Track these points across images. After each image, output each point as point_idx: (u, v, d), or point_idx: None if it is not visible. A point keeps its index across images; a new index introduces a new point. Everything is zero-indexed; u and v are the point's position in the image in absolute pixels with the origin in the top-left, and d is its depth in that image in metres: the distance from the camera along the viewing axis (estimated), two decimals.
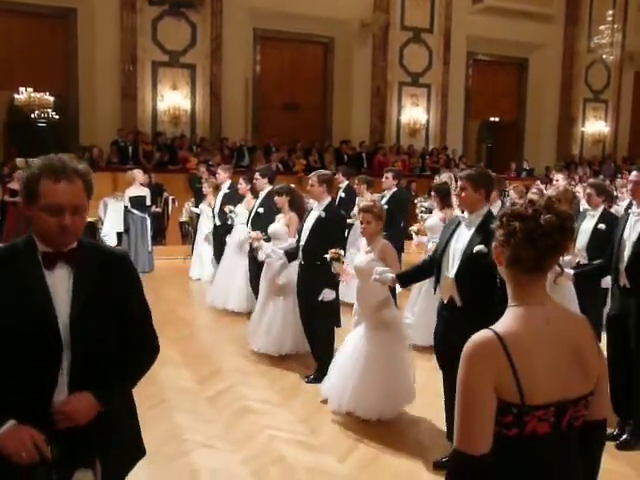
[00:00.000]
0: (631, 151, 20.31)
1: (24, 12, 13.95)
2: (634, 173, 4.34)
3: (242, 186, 7.73)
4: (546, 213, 1.59)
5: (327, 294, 5.19)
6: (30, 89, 14.67)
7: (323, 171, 5.88)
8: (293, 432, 4.43)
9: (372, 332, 4.53)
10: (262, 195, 7.26)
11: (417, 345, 5.77)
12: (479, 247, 3.58)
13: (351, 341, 4.68)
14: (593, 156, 19.65)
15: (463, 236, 3.76)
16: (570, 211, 1.67)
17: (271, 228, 6.17)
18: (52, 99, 15.43)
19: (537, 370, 1.54)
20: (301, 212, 5.94)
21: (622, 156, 20.10)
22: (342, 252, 4.83)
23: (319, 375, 5.21)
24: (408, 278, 4.39)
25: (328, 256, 4.77)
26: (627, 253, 4.18)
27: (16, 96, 14.93)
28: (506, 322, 1.61)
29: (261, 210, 7.10)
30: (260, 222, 6.69)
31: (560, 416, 1.58)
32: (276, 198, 6.12)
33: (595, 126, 19.86)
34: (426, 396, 4.71)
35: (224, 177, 8.83)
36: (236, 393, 5.13)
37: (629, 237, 4.20)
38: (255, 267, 6.74)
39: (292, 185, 6.39)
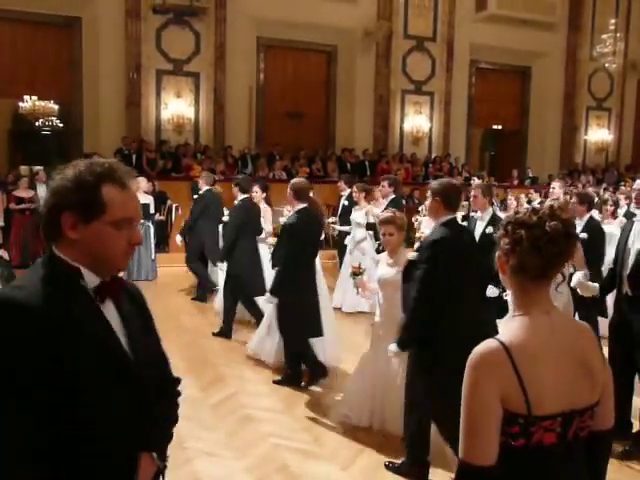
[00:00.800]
0: (634, 159, 20.29)
1: (29, 21, 14.03)
2: (638, 182, 4.37)
3: (257, 194, 7.62)
4: (551, 220, 1.59)
5: None
6: (34, 97, 14.76)
7: (297, 179, 5.86)
8: (296, 440, 4.42)
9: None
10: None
11: None
12: None
13: (377, 359, 4.45)
14: (596, 164, 19.64)
15: None
16: (572, 218, 1.67)
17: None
18: (56, 107, 15.53)
19: (544, 380, 1.54)
20: None
21: (625, 164, 20.09)
22: (364, 267, 4.74)
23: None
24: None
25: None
26: (631, 260, 4.18)
27: (21, 104, 15.02)
28: (511, 331, 1.60)
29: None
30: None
31: (566, 426, 1.57)
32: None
33: (598, 134, 19.86)
34: None
35: (202, 185, 9.01)
36: (239, 401, 5.13)
37: (633, 244, 4.21)
38: None
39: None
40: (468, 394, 1.54)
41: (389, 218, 4.44)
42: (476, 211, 6.02)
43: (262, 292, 6.39)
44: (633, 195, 4.55)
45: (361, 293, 4.90)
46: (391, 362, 4.30)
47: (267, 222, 7.75)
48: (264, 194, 7.68)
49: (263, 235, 7.48)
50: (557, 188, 8.20)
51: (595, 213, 6.67)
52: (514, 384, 1.51)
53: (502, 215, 6.08)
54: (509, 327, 1.62)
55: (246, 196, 7.33)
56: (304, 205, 5.41)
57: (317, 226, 5.66)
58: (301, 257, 5.29)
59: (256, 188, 7.62)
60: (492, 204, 6.10)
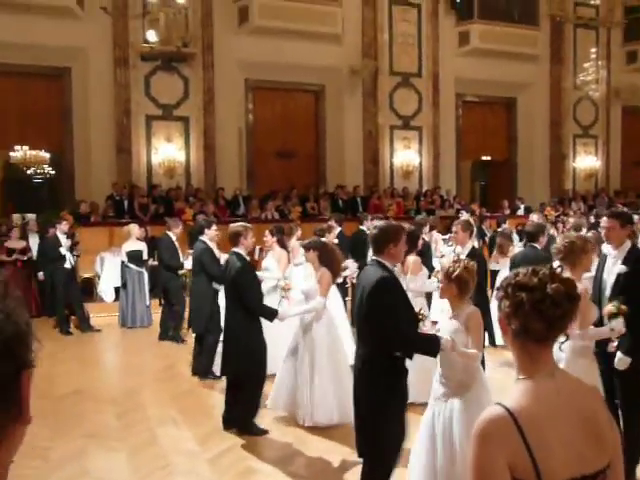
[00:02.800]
0: (623, 184, 20.48)
1: (19, 72, 14.17)
2: (605, 219, 4.37)
3: (268, 239, 7.57)
4: (552, 282, 1.56)
5: None
6: (26, 147, 14.82)
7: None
8: None
9: (461, 405, 3.63)
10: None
11: None
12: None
13: (437, 424, 3.70)
14: (586, 190, 19.79)
15: None
16: (572, 278, 1.64)
17: (304, 287, 5.78)
18: (48, 155, 15.58)
19: (553, 447, 1.49)
20: (335, 268, 5.69)
21: (614, 189, 20.26)
22: (425, 312, 4.26)
23: None
24: None
25: None
26: (607, 294, 4.21)
27: (12, 154, 15.08)
28: (516, 397, 1.56)
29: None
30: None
31: None
32: (305, 254, 5.81)
33: (586, 161, 20.06)
34: None
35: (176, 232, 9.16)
36: (238, 453, 5.01)
37: (608, 279, 4.27)
38: None
39: (323, 239, 6.26)
40: (476, 465, 1.49)
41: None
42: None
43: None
44: (602, 232, 4.53)
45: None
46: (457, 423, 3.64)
47: (282, 266, 7.36)
48: (274, 238, 7.56)
49: (273, 283, 7.10)
50: (535, 220, 8.31)
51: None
52: (522, 453, 1.46)
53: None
54: (514, 392, 1.58)
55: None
56: (235, 250, 5.39)
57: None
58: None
59: (267, 232, 7.58)
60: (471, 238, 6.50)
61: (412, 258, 5.91)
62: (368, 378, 3.64)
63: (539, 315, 1.55)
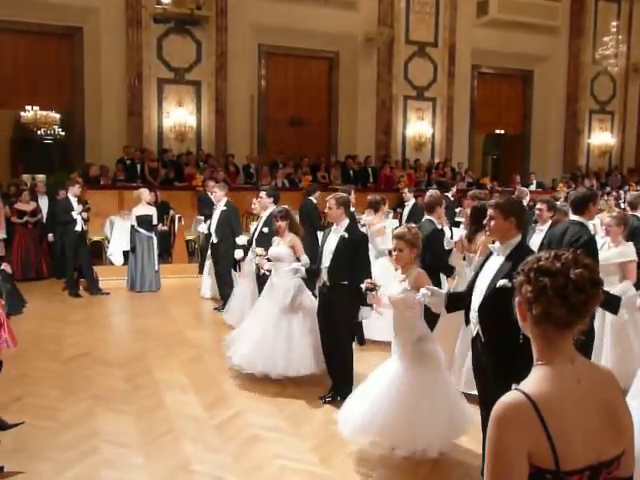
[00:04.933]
0: (637, 162, 20.23)
1: (30, 31, 14.04)
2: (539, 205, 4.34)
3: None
4: (575, 267, 1.52)
5: (364, 312, 5.19)
6: (36, 107, 14.75)
7: (340, 193, 5.84)
8: (304, 462, 4.35)
9: (410, 368, 4.21)
10: (265, 215, 7.43)
11: None
12: (502, 282, 3.43)
13: (385, 377, 4.31)
14: (599, 168, 19.57)
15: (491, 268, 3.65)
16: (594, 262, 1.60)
17: (273, 251, 6.13)
18: (58, 116, 15.52)
19: (571, 433, 1.47)
20: (299, 233, 6.16)
21: (628, 167, 20.02)
22: (378, 282, 4.58)
23: (336, 395, 5.33)
24: (456, 302, 3.97)
25: (363, 286, 4.55)
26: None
27: (22, 114, 15.03)
28: (536, 382, 1.53)
29: (266, 230, 7.20)
30: (265, 241, 6.81)
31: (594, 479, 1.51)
32: (277, 222, 6.13)
33: (601, 138, 19.78)
34: None
35: (220, 195, 8.87)
36: (244, 420, 5.05)
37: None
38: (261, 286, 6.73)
39: (287, 207, 6.37)
40: (493, 450, 1.47)
41: (401, 233, 4.31)
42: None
43: None
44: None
45: (376, 309, 4.75)
46: (403, 384, 4.25)
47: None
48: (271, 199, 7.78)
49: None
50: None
51: None
52: (542, 439, 1.45)
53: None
54: (532, 378, 1.55)
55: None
56: (349, 219, 5.59)
57: None
58: None
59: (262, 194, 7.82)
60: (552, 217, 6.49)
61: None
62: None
63: (562, 301, 1.51)
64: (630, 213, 6.90)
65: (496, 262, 3.63)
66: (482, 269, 3.72)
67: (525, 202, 9.47)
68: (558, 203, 7.50)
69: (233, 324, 7.28)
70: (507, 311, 3.24)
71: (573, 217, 5.04)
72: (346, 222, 5.43)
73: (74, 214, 9.62)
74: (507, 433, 1.46)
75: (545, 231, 6.20)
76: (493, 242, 3.88)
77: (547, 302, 1.52)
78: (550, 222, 6.36)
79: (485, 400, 3.80)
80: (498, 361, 3.47)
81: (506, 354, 3.29)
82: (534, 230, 6.54)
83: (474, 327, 3.73)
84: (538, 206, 6.65)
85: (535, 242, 6.08)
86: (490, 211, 3.70)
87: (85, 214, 9.85)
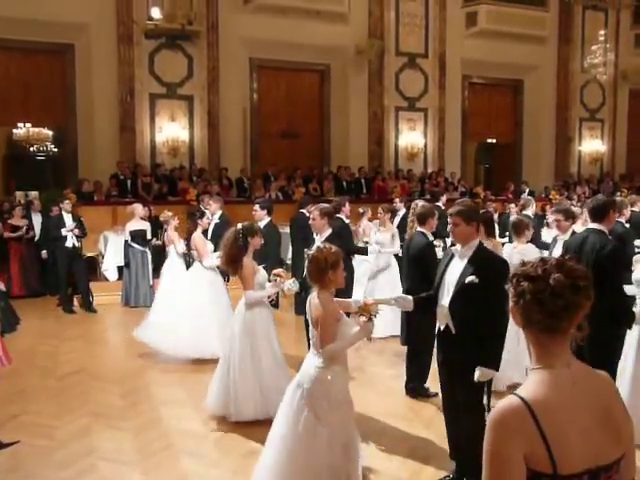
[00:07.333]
0: (628, 169, 20.38)
1: (22, 49, 14.05)
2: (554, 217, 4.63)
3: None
4: (556, 272, 1.53)
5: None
6: (29, 124, 14.74)
7: (323, 204, 5.85)
8: None
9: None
10: (261, 226, 7.39)
11: None
12: (470, 278, 3.74)
13: None
14: (591, 174, 19.70)
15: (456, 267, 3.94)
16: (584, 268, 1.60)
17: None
18: (51, 133, 15.53)
19: (569, 437, 1.48)
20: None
21: (620, 174, 20.16)
22: (378, 310, 3.94)
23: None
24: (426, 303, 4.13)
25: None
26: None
27: (15, 131, 15.02)
28: (532, 387, 1.54)
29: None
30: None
31: None
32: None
33: (592, 145, 19.94)
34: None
35: (215, 207, 8.84)
36: (242, 435, 5.03)
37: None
38: None
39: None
40: (491, 455, 1.48)
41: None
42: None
43: None
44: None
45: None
46: None
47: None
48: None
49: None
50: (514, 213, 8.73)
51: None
52: (538, 443, 1.45)
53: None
54: (529, 382, 1.56)
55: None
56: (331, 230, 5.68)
57: None
58: None
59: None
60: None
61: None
62: None
63: (539, 306, 1.52)
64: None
65: (460, 263, 3.91)
66: (446, 269, 3.99)
67: (531, 211, 8.85)
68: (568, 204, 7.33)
69: None
70: (475, 305, 3.65)
71: (592, 225, 4.79)
72: (328, 232, 5.48)
73: (63, 231, 9.60)
74: (503, 437, 1.47)
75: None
76: (453, 245, 4.14)
77: (526, 307, 1.55)
78: (571, 231, 5.82)
79: (450, 403, 4.01)
80: (467, 353, 3.73)
81: (474, 345, 3.69)
82: (556, 241, 6.08)
83: (441, 322, 3.99)
84: (553, 217, 6.23)
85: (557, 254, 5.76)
86: (453, 219, 3.94)
87: (77, 230, 9.80)
